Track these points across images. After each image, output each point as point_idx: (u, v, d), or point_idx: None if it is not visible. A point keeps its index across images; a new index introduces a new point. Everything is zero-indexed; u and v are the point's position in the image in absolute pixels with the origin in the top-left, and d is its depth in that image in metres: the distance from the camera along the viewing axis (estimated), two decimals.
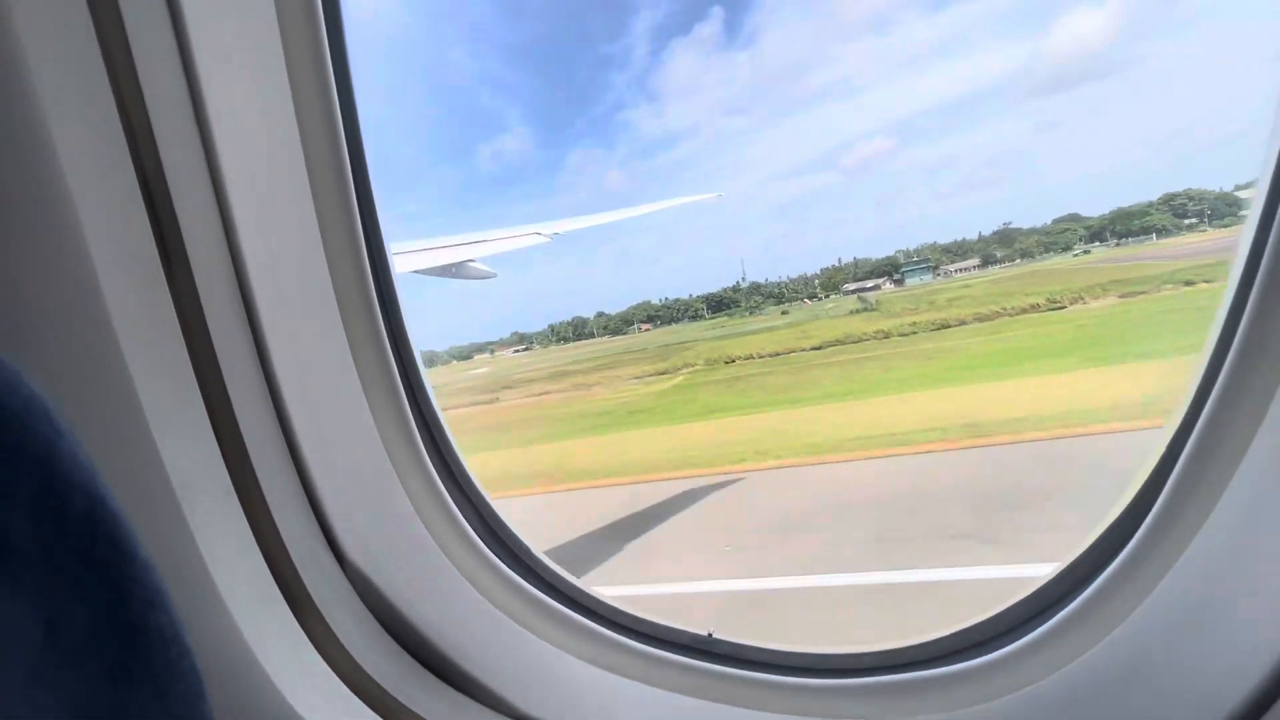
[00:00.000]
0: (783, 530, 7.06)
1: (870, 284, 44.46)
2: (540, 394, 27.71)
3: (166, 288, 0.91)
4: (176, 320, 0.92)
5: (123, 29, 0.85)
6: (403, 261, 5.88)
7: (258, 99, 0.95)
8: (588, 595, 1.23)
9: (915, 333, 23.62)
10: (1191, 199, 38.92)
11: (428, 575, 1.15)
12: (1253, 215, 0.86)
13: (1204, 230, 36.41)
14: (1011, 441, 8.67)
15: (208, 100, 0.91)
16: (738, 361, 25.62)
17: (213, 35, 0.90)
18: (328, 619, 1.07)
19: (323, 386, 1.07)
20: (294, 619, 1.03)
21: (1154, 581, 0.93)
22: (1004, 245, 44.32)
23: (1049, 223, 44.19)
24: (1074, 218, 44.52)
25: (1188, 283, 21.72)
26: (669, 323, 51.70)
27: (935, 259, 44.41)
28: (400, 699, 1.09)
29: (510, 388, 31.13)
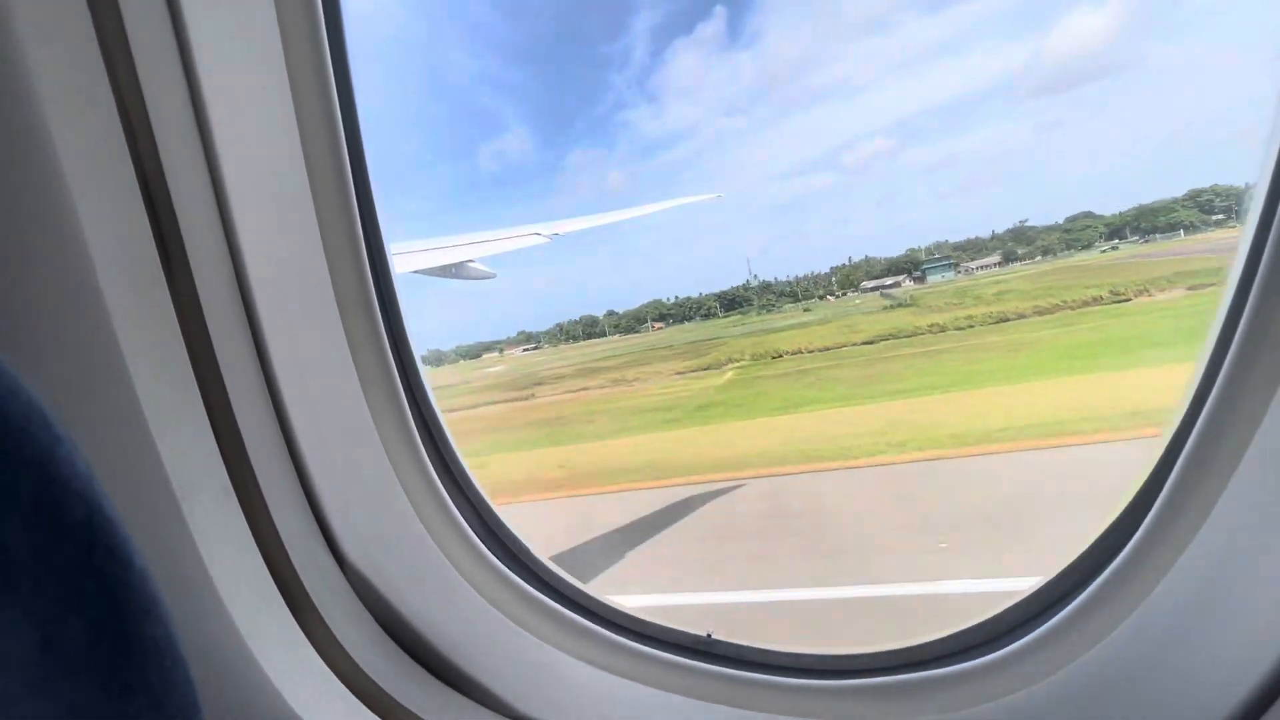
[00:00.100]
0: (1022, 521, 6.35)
1: (889, 281, 44.22)
2: (579, 390, 27.21)
3: (166, 288, 0.92)
4: (176, 320, 0.92)
5: (123, 29, 0.86)
6: (402, 261, 5.92)
7: (258, 99, 0.96)
8: (586, 596, 1.23)
9: (972, 326, 23.24)
10: (1218, 194, 38.97)
11: (426, 575, 1.16)
12: (1252, 216, 0.87)
13: (1233, 226, 36.62)
14: None
15: (208, 100, 0.92)
16: (785, 357, 25.21)
17: (213, 35, 0.91)
18: (326, 619, 1.07)
19: (322, 387, 1.07)
20: (293, 619, 1.03)
21: (1152, 584, 0.93)
22: (1020, 242, 44.24)
23: (1062, 220, 44.06)
24: (1089, 215, 44.50)
25: None
26: (681, 321, 51.27)
27: (956, 257, 44.27)
28: (398, 699, 1.09)
29: (541, 384, 30.56)
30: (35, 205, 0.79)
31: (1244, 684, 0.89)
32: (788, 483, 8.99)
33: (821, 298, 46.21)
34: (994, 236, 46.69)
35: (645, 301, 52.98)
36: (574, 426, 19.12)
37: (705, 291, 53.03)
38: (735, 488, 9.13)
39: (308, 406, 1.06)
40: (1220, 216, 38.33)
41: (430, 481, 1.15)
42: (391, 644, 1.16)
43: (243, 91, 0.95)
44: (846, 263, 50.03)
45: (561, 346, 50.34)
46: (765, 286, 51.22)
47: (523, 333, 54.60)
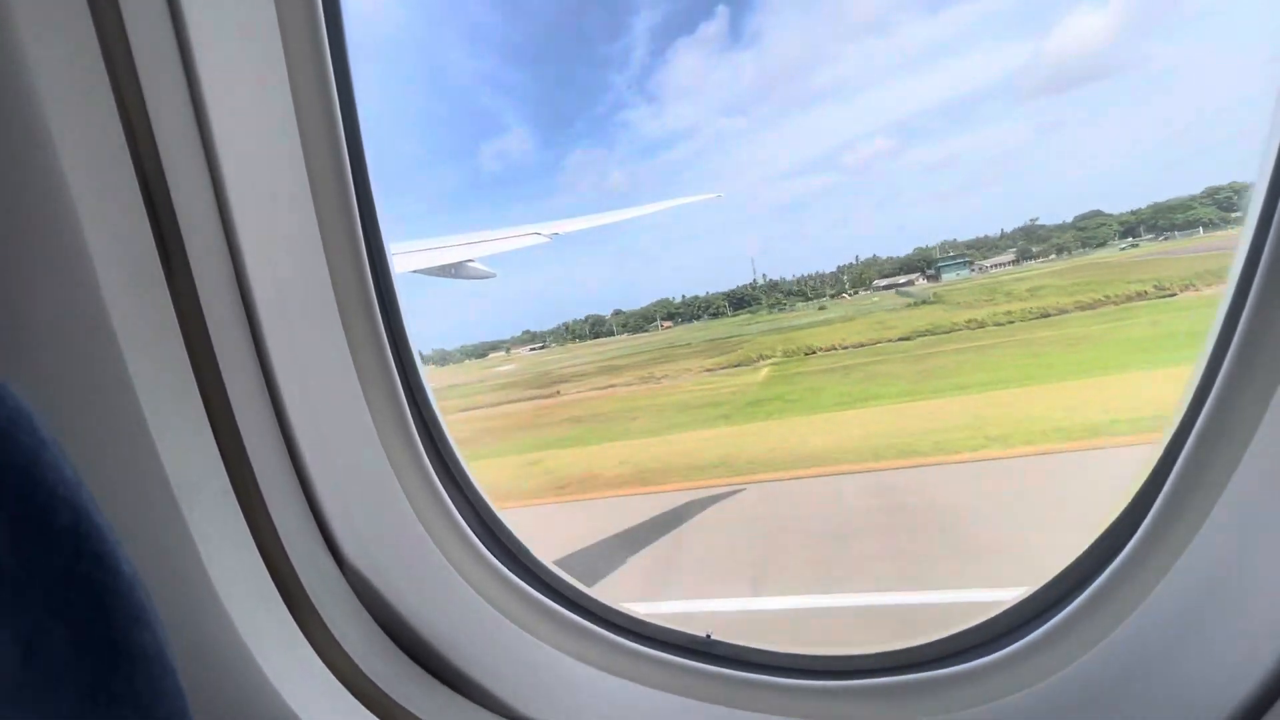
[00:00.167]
0: None
1: (903, 280, 44.06)
2: (605, 388, 26.90)
3: (166, 288, 0.92)
4: (176, 321, 0.93)
5: (123, 28, 0.86)
6: (402, 261, 5.86)
7: (258, 98, 0.97)
8: (586, 596, 1.23)
9: (1012, 322, 22.95)
10: (1236, 191, 39.13)
11: (426, 576, 1.16)
12: (1251, 216, 0.87)
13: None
14: None
15: (208, 100, 0.92)
16: (818, 353, 24.87)
17: (213, 35, 0.92)
18: (325, 619, 1.08)
19: (322, 387, 1.08)
20: (291, 619, 1.04)
21: (1152, 585, 0.94)
22: (1031, 240, 44.19)
23: (1071, 219, 44.05)
24: (1098, 214, 44.50)
25: None
26: (689, 320, 51.01)
27: (970, 255, 44.18)
28: (397, 699, 1.10)
29: (562, 382, 30.09)
30: (35, 205, 0.80)
31: (1243, 685, 0.89)
32: (901, 479, 8.50)
33: (834, 296, 45.97)
34: (1003, 235, 46.56)
35: (651, 301, 52.94)
36: (617, 423, 18.78)
37: (710, 291, 52.78)
38: (842, 483, 8.77)
39: (307, 407, 1.07)
40: (1239, 214, 38.36)
41: (429, 481, 1.15)
42: (390, 644, 1.17)
43: (243, 91, 0.95)
44: (854, 261, 49.80)
45: (569, 346, 49.99)
46: (772, 285, 51.02)
47: (527, 332, 54.28)
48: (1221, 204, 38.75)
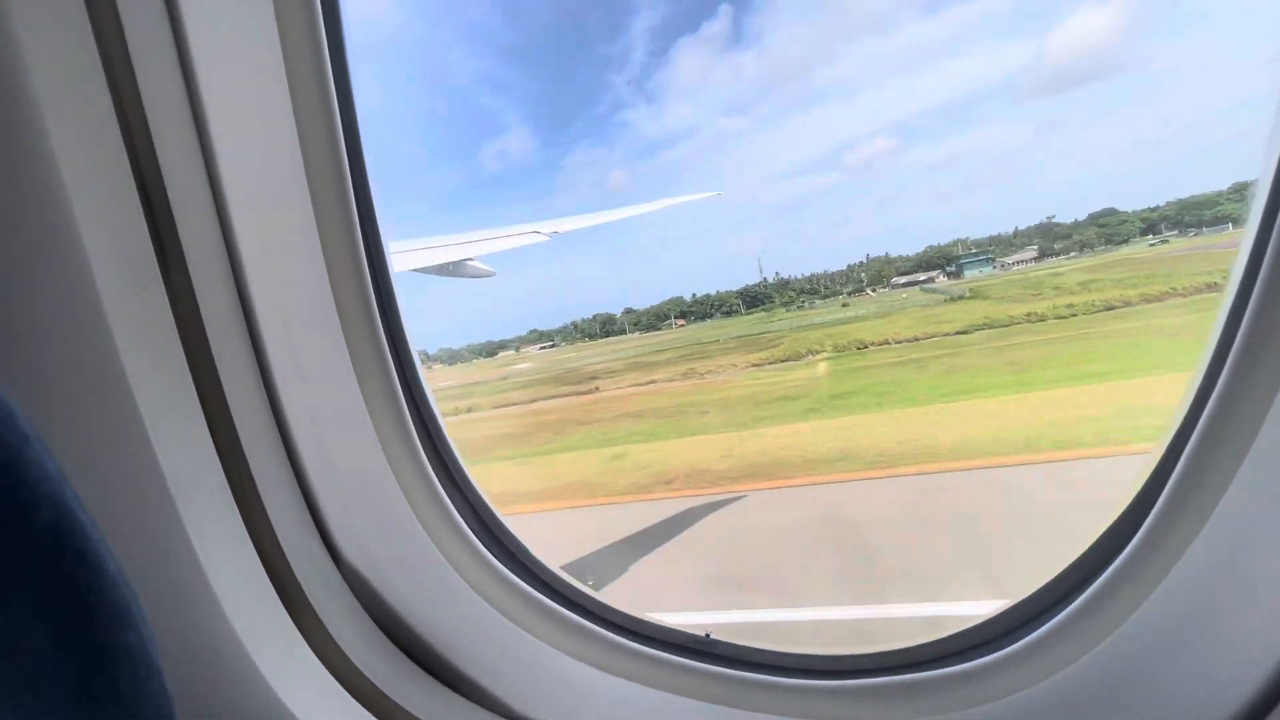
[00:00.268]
0: None
1: (923, 277, 43.74)
2: (646, 384, 26.29)
3: (163, 288, 0.92)
4: (173, 320, 0.93)
5: (120, 28, 0.87)
6: (401, 260, 5.92)
7: (256, 98, 0.97)
8: (585, 596, 1.24)
9: (1075, 315, 22.45)
10: None
11: (424, 575, 1.16)
12: (1253, 217, 0.88)
13: None
14: None
15: (205, 100, 0.93)
16: (871, 348, 24.37)
17: (211, 35, 0.92)
18: (323, 619, 1.08)
19: (319, 386, 1.08)
20: (289, 619, 1.04)
21: (1152, 585, 0.94)
22: (1047, 238, 44.07)
23: (1085, 216, 43.99)
24: (1113, 211, 44.48)
25: None
26: (702, 318, 50.49)
27: (993, 252, 43.98)
28: (396, 699, 1.10)
29: (594, 378, 29.31)
30: (31, 205, 0.80)
31: (1243, 688, 0.89)
32: (1089, 470, 7.73)
33: (853, 293, 45.57)
34: (1017, 232, 46.34)
35: (647, 299, 52.38)
36: (686, 418, 18.16)
37: (718, 290, 52.32)
38: (1020, 474, 8.26)
39: (305, 406, 1.07)
40: None
41: (428, 480, 1.15)
42: (388, 643, 1.17)
43: (241, 90, 0.96)
44: (864, 260, 49.52)
45: (579, 344, 49.30)
46: (783, 284, 50.72)
47: (534, 331, 53.52)
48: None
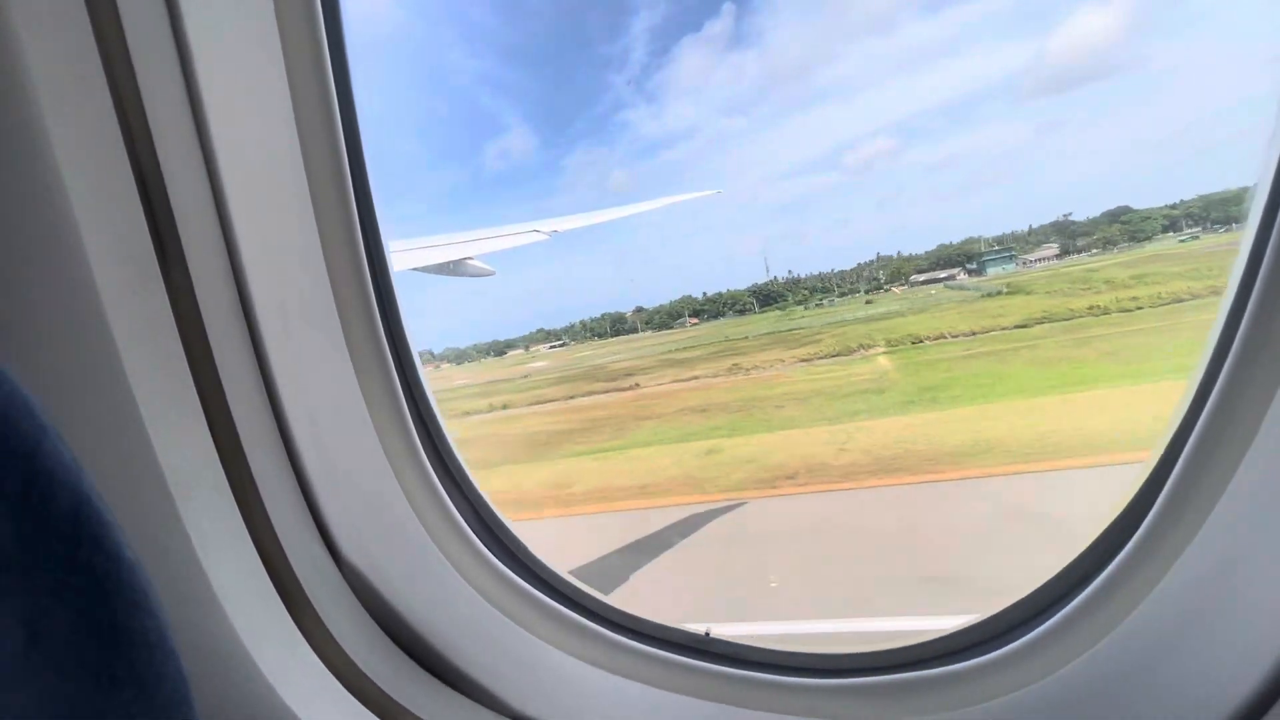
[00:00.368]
0: None
1: (943, 274, 43.42)
2: (689, 379, 25.80)
3: (163, 286, 0.93)
4: (172, 318, 0.94)
5: (120, 26, 0.87)
6: (401, 259, 5.90)
7: (256, 98, 0.98)
8: (585, 594, 1.24)
9: (1140, 308, 21.95)
10: None
11: (424, 573, 1.17)
12: (1253, 218, 0.89)
13: None
14: None
15: (206, 99, 0.93)
16: (927, 342, 23.86)
17: (211, 33, 0.92)
18: (323, 616, 1.08)
19: (320, 385, 1.09)
20: (289, 616, 1.04)
21: (1152, 584, 0.94)
22: (1062, 235, 43.91)
23: (1099, 214, 43.90)
24: (1126, 209, 44.43)
25: None
26: (714, 317, 49.93)
27: (1014, 249, 43.72)
28: (395, 697, 1.10)
29: (629, 375, 28.50)
30: (31, 203, 0.80)
31: (1243, 686, 0.90)
32: None
33: (870, 291, 45.13)
34: (1031, 230, 46.16)
35: (652, 299, 51.94)
36: (760, 413, 17.71)
37: (727, 288, 51.90)
38: None
39: (305, 405, 1.07)
40: None
41: (428, 479, 1.15)
42: (388, 642, 1.17)
43: (241, 90, 0.96)
44: (875, 258, 49.22)
45: (590, 343, 48.61)
46: (795, 282, 50.29)
47: (540, 330, 52.82)
48: None
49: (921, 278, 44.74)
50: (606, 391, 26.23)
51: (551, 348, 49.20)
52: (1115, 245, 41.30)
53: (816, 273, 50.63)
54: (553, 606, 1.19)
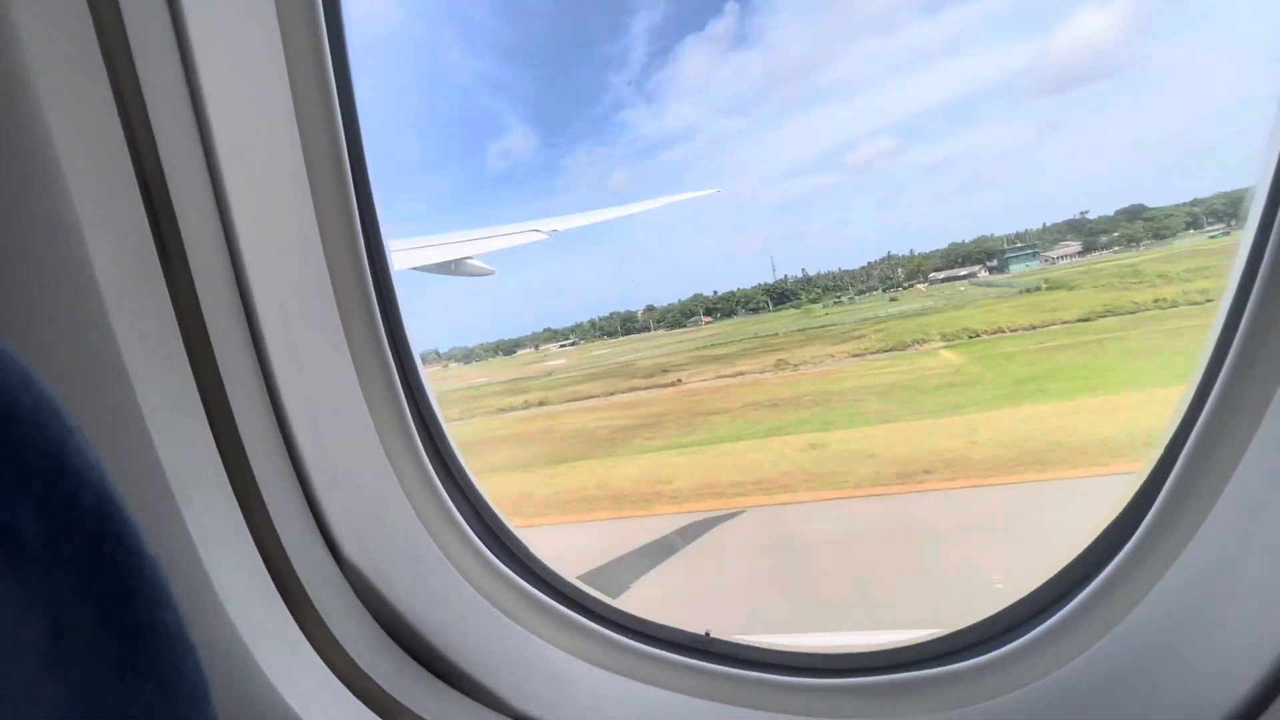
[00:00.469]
0: None
1: (963, 271, 43.03)
2: (734, 375, 25.18)
3: (164, 285, 0.93)
4: (174, 318, 0.94)
5: (122, 26, 0.87)
6: (400, 258, 5.56)
7: (257, 96, 0.98)
8: (585, 594, 1.25)
9: (1210, 300, 21.35)
10: None
11: (424, 573, 1.17)
12: (1252, 218, 0.90)
13: None
14: None
15: (207, 98, 0.94)
16: (984, 336, 23.26)
17: (213, 33, 0.93)
18: (324, 616, 1.09)
19: (321, 385, 1.09)
20: (290, 616, 1.05)
21: (1151, 583, 0.95)
22: (1078, 233, 43.73)
23: (1113, 213, 43.78)
24: (1139, 208, 44.32)
25: None
26: (727, 315, 49.41)
27: (1037, 246, 43.47)
28: (396, 696, 1.11)
29: (666, 371, 28.00)
30: (34, 201, 0.81)
31: (1241, 684, 0.90)
32: None
33: (889, 289, 44.69)
34: (1044, 228, 45.93)
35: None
36: (843, 407, 17.15)
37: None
38: None
39: (306, 404, 1.08)
40: None
41: (428, 479, 1.16)
42: (390, 642, 1.17)
43: (242, 89, 0.97)
44: (886, 256, 48.87)
45: (601, 342, 47.94)
46: (807, 281, 49.92)
47: (548, 330, 52.19)
48: None
49: (941, 275, 44.33)
50: (648, 388, 25.78)
51: (561, 347, 48.63)
52: (1139, 242, 41.03)
53: (826, 271, 50.14)
54: (553, 606, 1.19)
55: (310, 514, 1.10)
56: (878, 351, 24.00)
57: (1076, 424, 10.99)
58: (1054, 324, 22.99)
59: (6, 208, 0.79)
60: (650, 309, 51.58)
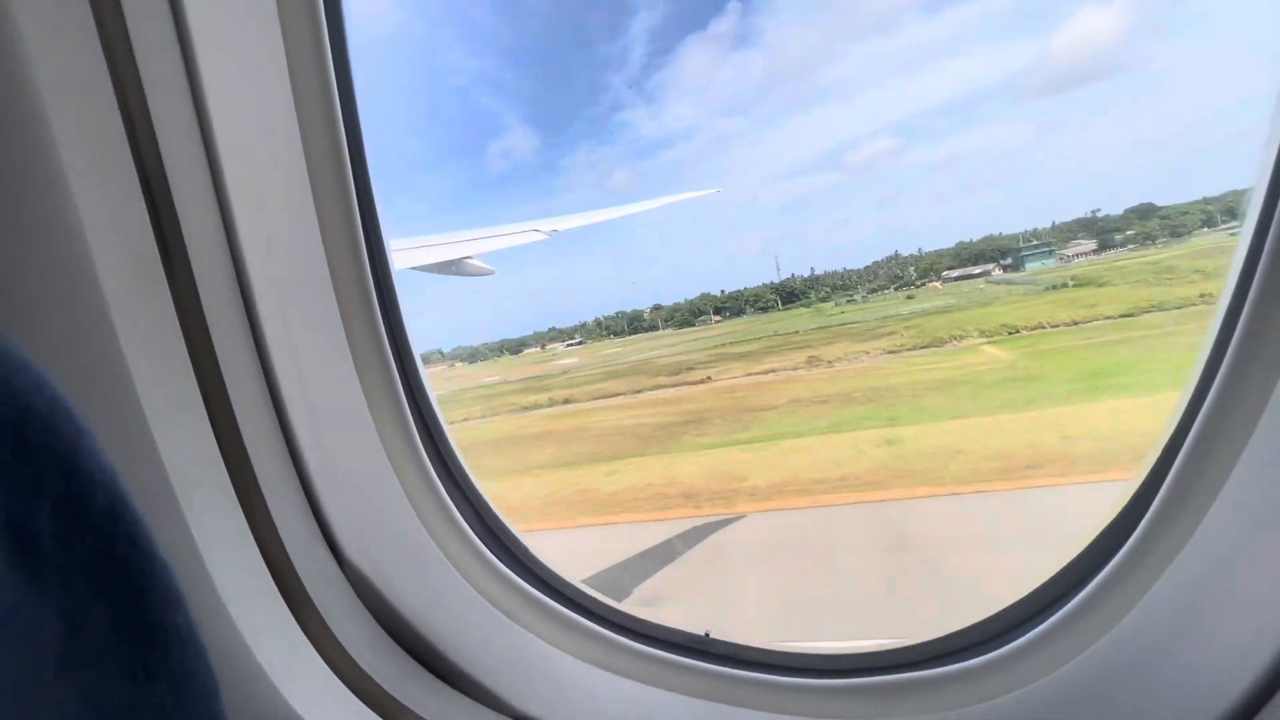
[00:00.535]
0: None
1: (977, 270, 42.82)
2: (766, 372, 24.69)
3: (166, 285, 0.93)
4: (176, 317, 0.94)
5: (124, 26, 0.87)
6: (400, 258, 5.67)
7: (258, 97, 0.99)
8: (585, 594, 1.25)
9: None
10: None
11: (425, 573, 1.17)
12: (1250, 218, 0.90)
13: None
14: None
15: (209, 98, 0.94)
16: (1024, 332, 22.79)
17: (214, 33, 0.93)
18: (325, 617, 1.09)
19: (322, 385, 1.10)
20: (291, 616, 1.05)
21: (1147, 585, 0.95)
22: (1090, 231, 43.68)
23: (1122, 212, 43.76)
24: (1150, 207, 44.29)
25: None
26: (735, 314, 49.01)
27: (1052, 244, 43.36)
28: (397, 696, 1.11)
29: (691, 369, 27.59)
30: (35, 200, 0.81)
31: (1239, 683, 0.91)
32: None
33: (900, 287, 44.45)
34: (1054, 227, 45.77)
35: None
36: (901, 403, 16.72)
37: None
38: None
39: (307, 405, 1.09)
40: None
41: (429, 480, 1.16)
42: (390, 642, 1.18)
43: (244, 89, 0.97)
44: (893, 256, 48.67)
45: (608, 341, 47.49)
46: (815, 280, 49.66)
47: (553, 329, 51.70)
48: None
49: (955, 273, 44.08)
50: (675, 385, 25.38)
51: (569, 346, 48.16)
52: (1155, 240, 40.86)
53: (832, 270, 50.01)
54: (553, 607, 1.20)
55: (311, 514, 1.11)
56: (915, 348, 23.60)
57: None
58: (1096, 320, 22.66)
59: (8, 207, 0.79)
60: (658, 308, 51.16)
